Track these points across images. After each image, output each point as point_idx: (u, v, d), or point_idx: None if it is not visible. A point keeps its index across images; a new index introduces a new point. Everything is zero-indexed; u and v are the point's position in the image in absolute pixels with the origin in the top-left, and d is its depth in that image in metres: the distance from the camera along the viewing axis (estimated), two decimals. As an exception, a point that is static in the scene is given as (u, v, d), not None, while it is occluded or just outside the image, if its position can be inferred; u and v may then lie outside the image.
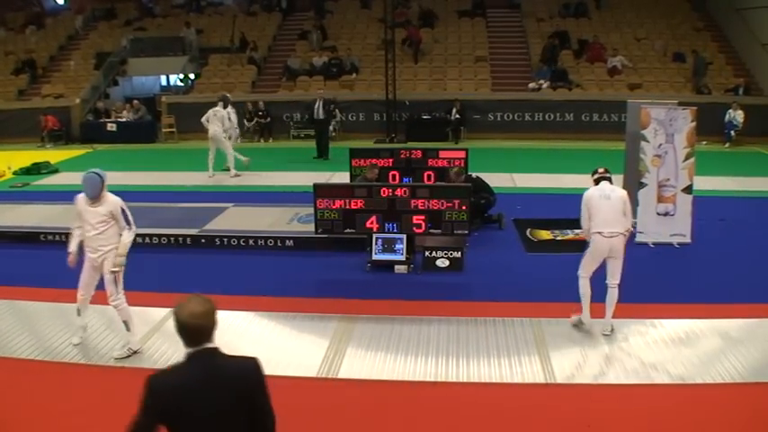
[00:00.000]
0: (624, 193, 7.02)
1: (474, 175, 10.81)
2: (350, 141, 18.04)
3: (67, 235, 9.32)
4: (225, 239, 9.96)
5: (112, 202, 6.45)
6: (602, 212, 6.77)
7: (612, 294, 6.80)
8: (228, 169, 15.01)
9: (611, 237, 6.72)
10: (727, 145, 18.43)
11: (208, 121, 14.77)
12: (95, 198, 6.37)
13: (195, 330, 2.95)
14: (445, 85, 21.42)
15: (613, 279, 6.80)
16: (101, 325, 7.12)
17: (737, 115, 18.39)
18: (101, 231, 6.43)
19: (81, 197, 6.48)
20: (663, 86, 20.27)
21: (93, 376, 6.23)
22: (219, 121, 14.73)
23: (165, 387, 2.92)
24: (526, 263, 9.30)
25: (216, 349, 3.00)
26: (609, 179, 7.08)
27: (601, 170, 7.17)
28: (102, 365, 6.41)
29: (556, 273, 8.64)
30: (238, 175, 14.92)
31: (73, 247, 6.58)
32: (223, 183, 14.54)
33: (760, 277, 8.38)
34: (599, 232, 6.75)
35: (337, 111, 19.97)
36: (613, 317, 6.90)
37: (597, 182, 7.06)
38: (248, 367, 3.06)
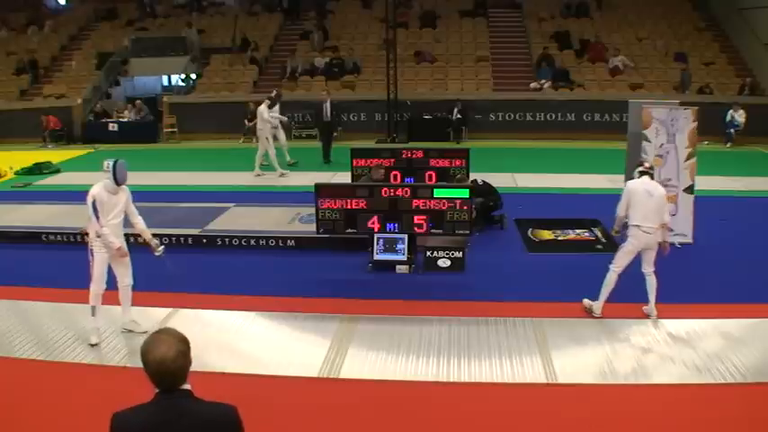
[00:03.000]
0: (664, 191, 7.27)
1: (480, 180, 10.83)
2: (351, 141, 18.02)
3: (70, 235, 9.35)
4: (226, 239, 9.97)
5: (126, 190, 6.82)
6: (645, 208, 6.98)
7: (651, 281, 7.11)
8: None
9: (648, 233, 6.99)
10: (728, 145, 18.40)
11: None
12: (120, 185, 6.69)
13: (166, 376, 2.66)
14: (447, 85, 21.42)
15: (649, 267, 7.11)
16: (102, 325, 7.10)
17: (738, 115, 18.36)
18: (121, 219, 6.79)
19: (99, 189, 6.62)
20: (664, 86, 20.27)
21: (94, 376, 6.24)
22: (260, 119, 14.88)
23: (129, 427, 2.68)
24: (527, 263, 9.29)
25: (189, 393, 2.71)
26: (651, 175, 7.29)
27: (647, 164, 7.42)
28: (104, 365, 6.42)
29: (557, 273, 8.66)
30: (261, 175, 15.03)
31: (115, 239, 6.65)
32: (224, 182, 14.55)
33: (761, 277, 8.38)
34: (637, 226, 6.97)
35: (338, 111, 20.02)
36: (615, 317, 6.90)
37: (640, 174, 7.21)
38: (224, 418, 2.74)
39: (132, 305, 7.03)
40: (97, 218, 6.57)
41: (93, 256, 6.71)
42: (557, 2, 24.52)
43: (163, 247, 7.20)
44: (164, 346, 2.64)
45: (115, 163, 6.64)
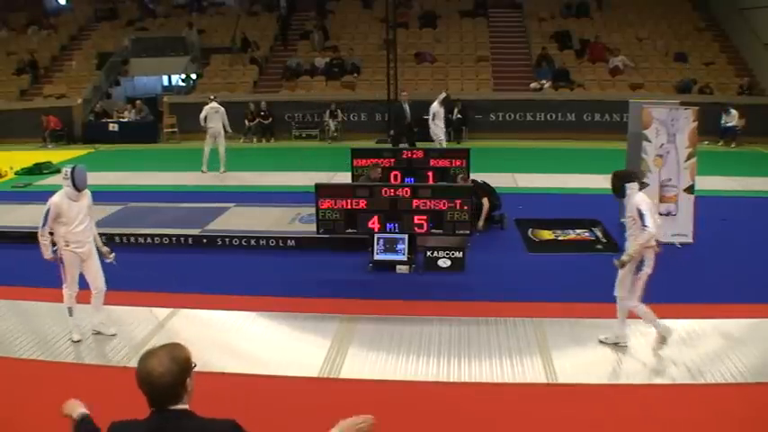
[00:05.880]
0: None
1: (480, 180, 10.83)
2: (351, 141, 18.04)
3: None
4: (227, 239, 9.96)
5: (88, 194, 6.76)
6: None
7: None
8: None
9: None
10: (733, 145, 18.36)
11: (206, 120, 15.00)
12: (81, 191, 6.62)
13: (150, 391, 2.58)
14: (447, 85, 21.38)
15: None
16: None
17: (732, 118, 18.31)
18: (86, 224, 6.70)
19: (60, 197, 6.58)
20: (664, 86, 20.27)
21: (93, 376, 6.23)
22: (220, 119, 14.90)
23: None
24: (528, 263, 9.29)
25: (185, 412, 2.62)
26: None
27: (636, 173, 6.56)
28: (103, 365, 6.42)
29: (557, 273, 8.65)
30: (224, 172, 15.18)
31: (50, 252, 6.65)
32: (225, 182, 14.57)
33: (761, 277, 8.37)
34: (655, 244, 6.27)
35: (339, 111, 20.04)
36: (615, 317, 6.87)
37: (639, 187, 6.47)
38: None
39: (134, 305, 7.00)
40: (44, 224, 6.55)
41: (62, 261, 6.68)
42: (557, 2, 24.54)
43: (114, 254, 7.03)
44: (154, 360, 2.58)
45: (74, 169, 6.59)
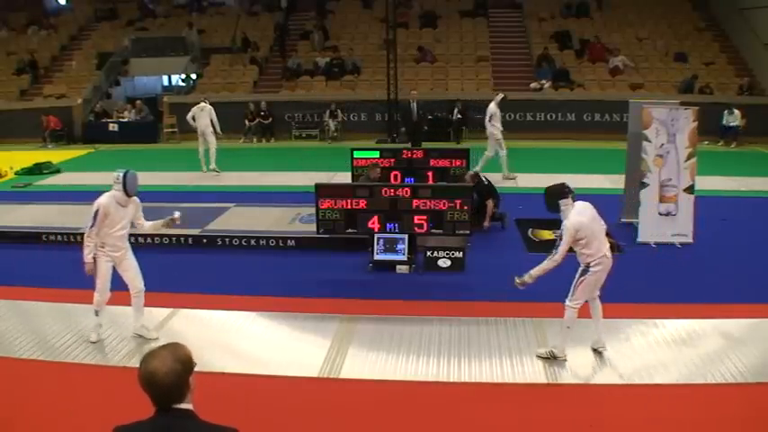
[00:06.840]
0: None
1: (485, 179, 10.83)
2: (351, 141, 18.03)
3: (70, 235, 9.34)
4: (227, 239, 9.97)
5: (135, 200, 6.66)
6: (601, 234, 6.27)
7: (599, 305, 6.48)
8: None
9: (609, 257, 6.27)
10: (733, 145, 18.36)
11: (194, 119, 15.14)
12: (131, 196, 6.54)
13: (155, 391, 2.59)
14: (447, 85, 21.43)
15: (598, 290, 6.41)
16: (104, 324, 7.10)
17: (734, 117, 18.30)
18: (127, 230, 6.65)
19: (108, 199, 6.46)
20: (665, 86, 20.27)
21: (94, 376, 6.23)
22: (207, 116, 15.08)
23: None
24: (528, 263, 9.23)
25: (188, 412, 2.63)
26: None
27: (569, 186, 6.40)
28: (104, 365, 6.41)
29: (557, 273, 8.62)
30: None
31: (92, 256, 6.51)
32: (225, 182, 14.57)
33: (761, 277, 8.37)
34: (605, 255, 6.20)
35: (339, 111, 20.04)
36: (615, 317, 6.89)
37: (573, 199, 6.36)
38: None
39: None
40: (93, 225, 6.41)
41: (96, 265, 6.58)
42: (557, 2, 24.54)
43: (178, 212, 6.88)
44: (157, 361, 2.59)
45: (126, 174, 6.43)
